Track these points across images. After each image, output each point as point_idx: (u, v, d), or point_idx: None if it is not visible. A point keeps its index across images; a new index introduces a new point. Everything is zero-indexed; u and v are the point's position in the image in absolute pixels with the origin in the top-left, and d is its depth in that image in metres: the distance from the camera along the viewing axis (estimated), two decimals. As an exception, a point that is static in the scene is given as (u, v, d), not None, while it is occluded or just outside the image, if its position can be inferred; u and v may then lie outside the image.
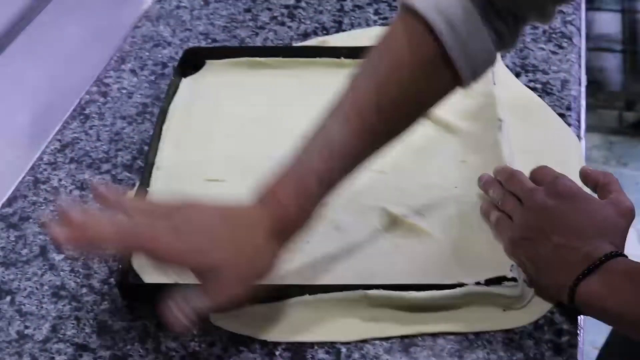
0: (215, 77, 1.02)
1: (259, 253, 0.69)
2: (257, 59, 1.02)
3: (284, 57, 1.02)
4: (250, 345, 0.73)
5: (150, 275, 0.77)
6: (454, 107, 0.93)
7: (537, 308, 0.74)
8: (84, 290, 0.79)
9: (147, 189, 0.86)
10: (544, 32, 1.07)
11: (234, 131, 0.94)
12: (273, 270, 0.70)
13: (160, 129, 0.93)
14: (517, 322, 0.73)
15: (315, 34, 1.10)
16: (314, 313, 0.74)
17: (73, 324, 0.76)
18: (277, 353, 0.72)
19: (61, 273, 0.80)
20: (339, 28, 1.11)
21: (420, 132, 0.89)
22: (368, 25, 1.11)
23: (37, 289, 0.79)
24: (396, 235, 0.81)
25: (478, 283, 0.74)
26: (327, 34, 1.10)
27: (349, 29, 1.10)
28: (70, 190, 0.89)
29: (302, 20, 1.13)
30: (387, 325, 0.73)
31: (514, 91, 0.97)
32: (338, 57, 1.01)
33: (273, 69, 1.02)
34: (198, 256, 0.66)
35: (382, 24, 1.10)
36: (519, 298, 0.74)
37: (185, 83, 1.00)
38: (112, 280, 0.79)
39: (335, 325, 0.74)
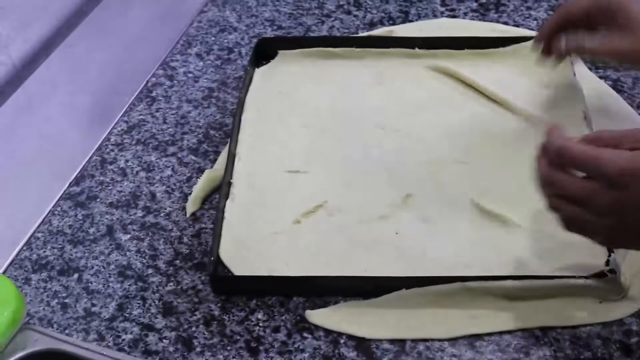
0: (288, 67, 1.01)
1: None
2: (330, 49, 1.01)
3: (357, 47, 1.01)
4: (315, 332, 0.73)
5: (241, 268, 0.78)
6: (534, 98, 0.93)
7: (635, 300, 0.73)
8: (150, 271, 0.79)
9: (231, 180, 0.86)
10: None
11: (310, 122, 0.93)
12: None
13: (240, 120, 0.93)
14: (615, 315, 0.72)
15: (382, 23, 1.09)
16: (411, 308, 0.73)
17: (139, 303, 0.76)
18: (341, 341, 0.72)
19: (127, 253, 0.81)
20: (405, 18, 1.10)
21: (500, 124, 0.90)
22: (435, 16, 1.10)
23: (103, 267, 0.80)
24: (485, 226, 0.80)
25: (575, 276, 0.73)
26: (394, 23, 1.09)
27: (416, 20, 1.09)
28: (137, 172, 0.90)
29: (369, 9, 1.12)
30: (486, 321, 0.73)
31: (590, 84, 0.95)
32: (412, 48, 1.00)
33: (345, 60, 1.01)
34: None
35: (449, 15, 1.09)
36: (617, 289, 0.73)
37: (259, 73, 1.00)
38: (177, 262, 0.80)
39: (434, 320, 0.73)
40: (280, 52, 1.02)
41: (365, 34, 1.07)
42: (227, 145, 0.91)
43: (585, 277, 0.72)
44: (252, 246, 0.80)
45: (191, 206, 0.85)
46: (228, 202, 0.84)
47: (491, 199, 0.82)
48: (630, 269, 0.75)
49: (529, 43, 0.93)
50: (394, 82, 0.98)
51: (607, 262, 0.73)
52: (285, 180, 0.86)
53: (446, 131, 0.90)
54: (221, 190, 0.84)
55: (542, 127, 0.87)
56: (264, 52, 1.02)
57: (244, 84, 0.97)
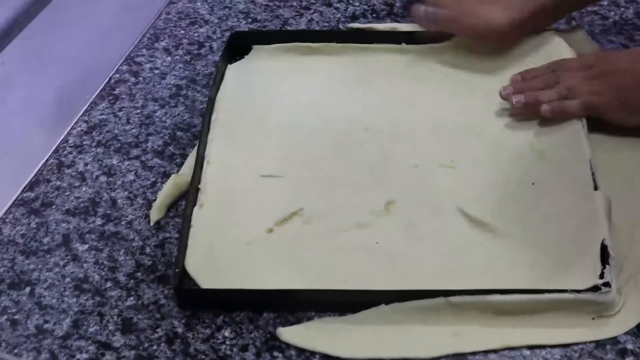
0: (263, 63, 1.01)
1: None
2: (309, 44, 1.01)
3: (338, 42, 1.01)
4: (286, 351, 0.72)
5: (209, 281, 0.77)
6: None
7: (630, 316, 0.73)
8: (109, 284, 0.78)
9: (199, 185, 0.85)
10: (615, 23, 1.05)
11: (286, 123, 0.93)
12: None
13: (209, 119, 0.92)
14: (609, 332, 0.72)
15: (365, 16, 1.09)
16: (391, 325, 0.73)
17: (96, 320, 0.75)
18: (315, 361, 0.72)
19: (84, 265, 0.80)
20: (390, 11, 1.09)
21: (492, 125, 0.90)
22: (422, 9, 1.09)
23: (58, 280, 0.79)
24: (472, 236, 0.79)
25: (567, 290, 0.72)
26: (377, 17, 1.09)
27: (401, 12, 1.09)
28: (97, 176, 0.89)
29: (351, 1, 1.12)
30: (470, 339, 0.72)
31: None
32: (399, 43, 1.00)
33: (326, 55, 1.01)
34: None
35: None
36: (611, 304, 0.72)
37: (232, 70, 1.00)
38: (138, 274, 0.79)
39: (415, 338, 0.72)
40: (255, 47, 1.02)
41: (349, 26, 1.07)
42: (196, 147, 0.90)
43: (577, 291, 0.72)
44: (220, 257, 0.79)
45: (155, 213, 0.84)
46: (195, 209, 0.83)
47: (480, 206, 0.81)
48: (626, 283, 0.74)
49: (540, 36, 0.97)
50: (378, 79, 0.97)
51: (601, 275, 0.73)
52: (258, 186, 0.86)
53: (434, 133, 0.90)
54: (188, 196, 0.84)
55: (538, 126, 0.89)
56: (237, 47, 1.02)
57: (215, 81, 0.96)
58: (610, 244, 0.75)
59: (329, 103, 0.95)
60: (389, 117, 0.92)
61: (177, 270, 0.77)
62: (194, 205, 0.83)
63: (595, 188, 0.80)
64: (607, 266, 0.73)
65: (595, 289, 0.72)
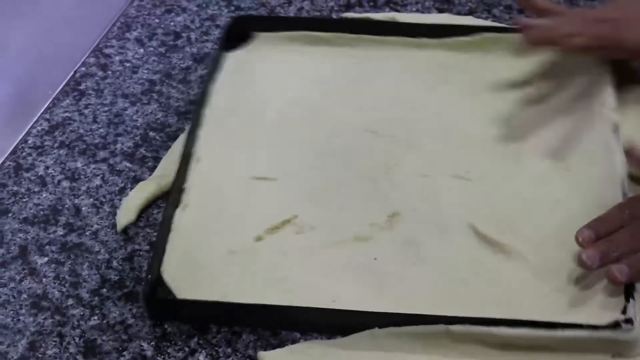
0: (266, 52, 1.01)
1: None
2: (318, 33, 1.01)
3: (349, 32, 1.01)
4: (268, 378, 0.72)
5: (185, 291, 0.77)
6: (558, 97, 0.92)
7: None
8: (70, 301, 0.78)
9: (184, 185, 0.85)
10: None
11: (287, 120, 0.93)
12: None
13: (201, 113, 0.92)
14: None
15: (360, 5, 1.09)
16: (383, 351, 0.72)
17: (55, 341, 0.75)
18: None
19: (43, 280, 0.80)
20: (389, -1, 1.10)
21: (516, 131, 0.90)
22: (425, -4, 1.10)
23: (13, 297, 0.79)
24: (483, 256, 0.79)
25: (582, 326, 0.71)
26: (375, 6, 1.09)
27: (401, 1, 1.09)
28: (59, 181, 0.89)
29: (345, -12, 1.12)
30: None
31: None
32: (417, 36, 1.00)
33: (336, 47, 1.01)
34: None
35: (443, -3, 1.09)
36: (634, 343, 0.71)
37: (231, 58, 1.00)
38: (104, 291, 0.79)
39: None
40: (259, 34, 1.02)
41: (350, 16, 1.07)
42: (171, 148, 0.91)
43: (595, 327, 0.71)
44: (201, 265, 0.79)
45: (124, 217, 0.84)
46: (178, 210, 0.83)
47: (492, 224, 0.81)
48: None
49: None
50: (391, 77, 0.98)
51: (624, 310, 0.72)
52: (249, 188, 0.86)
53: (449, 140, 0.90)
54: (170, 196, 0.84)
55: (564, 137, 0.88)
56: (237, 34, 1.02)
57: (211, 70, 0.97)
58: None
59: (335, 101, 0.95)
60: (400, 119, 0.92)
61: (149, 277, 0.77)
62: (176, 206, 0.84)
63: None
64: (630, 300, 0.73)
65: (616, 325, 0.71)
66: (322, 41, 1.01)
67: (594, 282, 0.75)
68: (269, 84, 0.98)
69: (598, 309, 0.73)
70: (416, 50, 1.00)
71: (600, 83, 0.92)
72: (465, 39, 0.99)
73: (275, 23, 1.03)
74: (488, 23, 1.05)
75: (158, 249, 0.79)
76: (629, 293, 0.73)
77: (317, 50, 1.01)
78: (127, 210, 0.85)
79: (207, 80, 0.96)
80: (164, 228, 0.81)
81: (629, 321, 0.71)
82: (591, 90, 0.92)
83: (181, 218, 0.83)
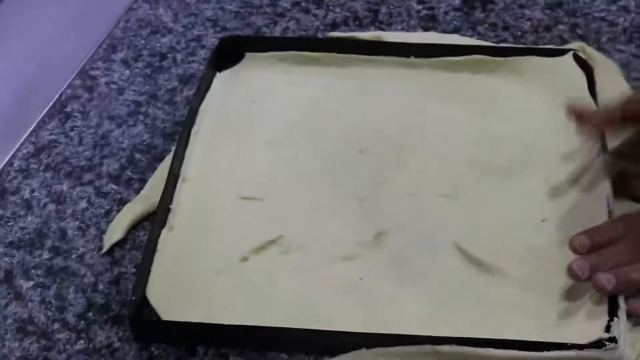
0: (256, 72, 1.01)
1: None
2: (306, 53, 1.01)
3: (339, 52, 1.01)
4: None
5: (170, 312, 0.77)
6: (545, 118, 0.93)
7: None
8: (56, 325, 0.78)
9: (170, 205, 0.85)
10: (624, 30, 1.06)
11: (275, 140, 0.93)
12: None
13: (189, 133, 0.92)
14: None
15: (346, 24, 1.09)
16: None
17: (41, 366, 0.75)
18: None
19: (29, 304, 0.80)
20: (375, 18, 1.10)
21: (506, 151, 0.90)
22: (409, 15, 1.10)
23: (-1, 322, 0.79)
24: (469, 275, 0.79)
25: (567, 345, 0.71)
26: (360, 25, 1.09)
27: (386, 20, 1.10)
28: (44, 204, 0.89)
29: (331, 7, 1.12)
30: None
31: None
32: (407, 56, 1.00)
33: (325, 67, 1.01)
34: None
35: (427, 15, 1.10)
36: None
37: (220, 78, 1.00)
38: (90, 314, 0.79)
39: None
40: (248, 54, 1.02)
41: (335, 35, 1.08)
42: (157, 170, 0.91)
43: (581, 347, 0.71)
44: (187, 286, 0.79)
45: (109, 238, 0.84)
46: (164, 231, 0.83)
47: (479, 243, 0.81)
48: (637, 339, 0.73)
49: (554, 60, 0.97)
50: (381, 96, 0.98)
51: (607, 329, 0.72)
52: (236, 208, 0.86)
53: (437, 159, 0.90)
54: (155, 217, 0.84)
55: (553, 157, 0.88)
56: (227, 54, 1.02)
57: (199, 90, 0.97)
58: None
59: (324, 120, 0.95)
60: (389, 139, 0.93)
61: (134, 298, 0.76)
62: (162, 227, 0.84)
63: None
64: (614, 319, 0.73)
65: (600, 344, 0.71)
66: (311, 61, 1.02)
67: (579, 301, 0.75)
68: (257, 104, 0.98)
69: (583, 327, 0.73)
70: (405, 70, 1.00)
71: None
72: (454, 59, 0.99)
73: (264, 43, 1.04)
74: (475, 42, 1.05)
75: (143, 270, 0.79)
76: (612, 311, 0.73)
77: (307, 70, 1.01)
78: (113, 231, 0.85)
79: (195, 100, 0.96)
80: (150, 249, 0.81)
81: (612, 340, 0.71)
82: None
83: (167, 239, 0.83)
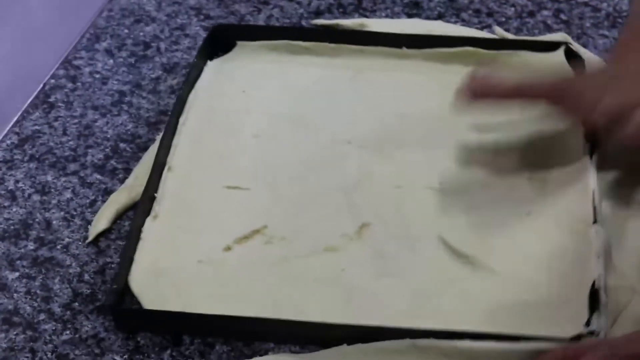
0: (246, 61, 1.01)
1: None
2: (299, 42, 1.01)
3: (330, 42, 1.01)
4: (242, 389, 0.73)
5: (152, 300, 0.77)
6: (533, 112, 0.92)
7: None
8: (42, 316, 0.78)
9: (155, 194, 0.86)
10: (608, 15, 1.07)
11: (265, 129, 0.93)
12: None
13: (177, 122, 0.93)
14: None
15: (330, 12, 1.10)
16: None
17: (27, 357, 0.75)
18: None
19: (14, 295, 0.80)
20: (359, 5, 1.10)
21: (494, 144, 0.90)
22: (393, 2, 1.10)
23: (-16, 313, 0.79)
24: (452, 267, 0.79)
25: (546, 338, 0.71)
26: (344, 12, 1.09)
27: (370, 7, 1.10)
28: (29, 195, 0.89)
29: (315, -6, 1.13)
30: None
31: None
32: (399, 47, 1.00)
33: (316, 56, 1.01)
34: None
35: (410, 1, 1.10)
36: None
37: (210, 67, 1.00)
38: (76, 305, 0.79)
39: None
40: (240, 43, 1.02)
41: (318, 22, 1.08)
42: (142, 159, 0.91)
43: (559, 340, 0.71)
44: (170, 275, 0.79)
45: (96, 226, 0.85)
46: (148, 220, 0.84)
47: (463, 236, 0.81)
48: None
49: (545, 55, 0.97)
50: (370, 87, 0.98)
51: (588, 322, 0.72)
52: (221, 198, 0.86)
53: (424, 151, 0.90)
54: (139, 205, 0.84)
55: (539, 147, 0.89)
56: (219, 43, 1.02)
57: (188, 78, 0.97)
58: (603, 287, 0.74)
59: (312, 111, 0.96)
60: (377, 130, 0.93)
61: (115, 286, 0.77)
62: (147, 215, 0.84)
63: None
64: (595, 312, 0.73)
65: (580, 337, 0.72)
66: (303, 50, 1.02)
67: (561, 296, 0.76)
68: (247, 93, 0.98)
69: (564, 321, 0.73)
70: (396, 61, 1.00)
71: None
72: (446, 51, 0.99)
73: (255, 32, 1.04)
74: (466, 30, 1.06)
75: (126, 258, 0.79)
76: (593, 305, 0.73)
77: (297, 59, 1.01)
78: (98, 221, 0.85)
79: (184, 89, 0.96)
80: (133, 237, 0.81)
81: (592, 333, 0.71)
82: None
83: (151, 227, 0.83)
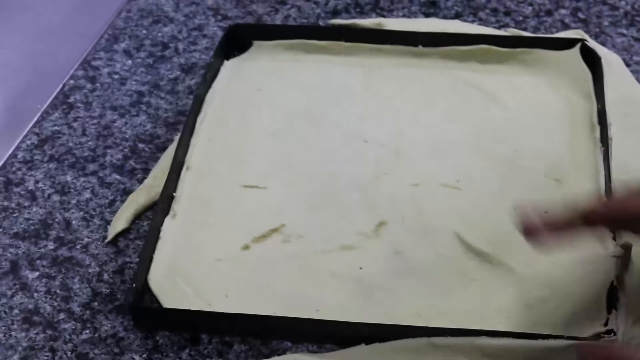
0: (263, 61, 1.02)
1: None
2: (315, 41, 1.02)
3: (346, 41, 1.02)
4: (260, 387, 0.73)
5: (171, 299, 0.78)
6: (549, 110, 0.93)
7: None
8: (62, 315, 0.79)
9: (174, 193, 0.86)
10: (626, 14, 1.06)
11: (280, 128, 0.94)
12: None
13: (194, 121, 0.93)
14: None
15: (347, 11, 1.10)
16: None
17: (47, 356, 0.76)
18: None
19: (35, 294, 0.80)
20: (376, 5, 1.10)
21: (510, 142, 0.90)
22: (410, 1, 1.10)
23: (5, 312, 0.79)
24: (469, 266, 0.79)
25: (563, 337, 0.71)
26: (362, 12, 1.10)
27: (387, 6, 1.10)
28: (49, 195, 0.89)
29: (332, -6, 1.13)
30: None
31: (627, 96, 0.95)
32: (415, 45, 1.01)
33: (332, 55, 1.02)
34: None
35: (427, 1, 1.10)
36: None
37: (228, 66, 1.01)
38: (95, 304, 0.79)
39: None
40: (256, 42, 1.03)
41: (336, 22, 1.08)
42: (160, 159, 0.91)
43: (577, 339, 0.71)
44: (189, 274, 0.80)
45: (115, 226, 0.85)
46: (167, 219, 0.84)
47: (480, 233, 0.81)
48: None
49: (561, 53, 0.97)
50: (386, 85, 0.98)
51: (606, 322, 0.72)
52: (239, 197, 0.87)
53: (441, 149, 0.90)
54: (158, 205, 0.84)
55: (557, 148, 0.89)
56: (235, 42, 1.03)
57: (206, 78, 0.97)
58: (622, 286, 0.74)
59: (329, 109, 0.96)
60: (393, 128, 0.93)
61: (134, 285, 0.77)
62: (165, 214, 0.85)
63: None
64: (613, 312, 0.73)
65: (598, 337, 0.72)
66: (318, 49, 1.02)
67: (580, 294, 0.75)
68: (263, 92, 0.98)
69: (583, 320, 0.73)
70: (412, 59, 1.00)
71: (591, 105, 0.93)
72: (462, 49, 0.99)
73: (271, 31, 1.04)
74: (481, 29, 1.05)
75: (145, 257, 0.80)
76: (611, 304, 0.73)
77: (313, 58, 1.02)
78: (117, 221, 0.85)
79: (202, 88, 0.97)
80: (152, 237, 0.82)
81: (610, 332, 0.71)
82: (580, 109, 0.93)
83: (170, 226, 0.84)
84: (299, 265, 0.80)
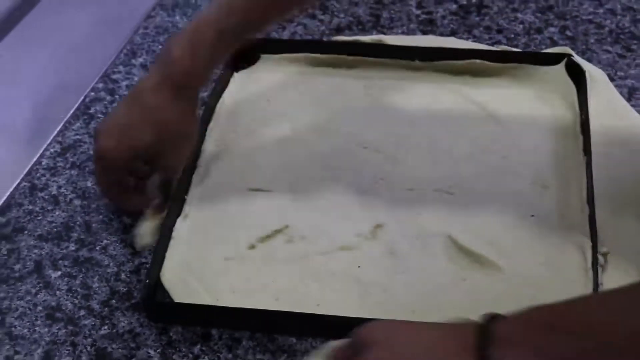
0: (270, 73, 1.03)
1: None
2: (318, 55, 1.03)
3: (348, 54, 1.03)
4: (266, 380, 0.74)
5: (182, 294, 0.79)
6: (537, 121, 0.94)
7: None
8: (82, 312, 0.80)
9: (185, 196, 0.87)
10: (611, 32, 1.07)
11: (287, 136, 0.95)
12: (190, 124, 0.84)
13: (205, 129, 0.94)
14: None
15: (350, 29, 1.11)
16: None
17: (68, 350, 0.77)
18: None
19: (57, 292, 0.81)
20: (377, 22, 1.11)
21: (499, 150, 0.91)
22: (409, 20, 1.11)
23: (29, 309, 0.80)
24: (460, 266, 0.81)
25: None
26: (363, 29, 1.10)
27: (388, 24, 1.11)
28: (71, 200, 0.90)
29: (336, 13, 1.14)
30: None
31: (610, 108, 0.96)
32: (412, 59, 1.02)
33: (334, 68, 1.03)
34: None
35: (425, 20, 1.11)
36: None
37: (237, 78, 1.02)
38: (113, 302, 0.80)
39: None
40: (263, 56, 1.04)
41: (339, 39, 1.09)
42: None
43: None
44: (199, 272, 0.81)
45: (142, 239, 0.85)
46: (179, 220, 0.85)
47: (472, 237, 0.82)
48: None
49: (548, 68, 0.98)
50: (385, 96, 0.99)
51: None
52: (245, 199, 0.88)
53: (435, 156, 0.91)
54: (171, 207, 0.86)
55: (542, 156, 0.90)
56: (246, 56, 1.04)
57: (215, 89, 0.99)
58: (603, 283, 0.75)
59: (331, 118, 0.97)
60: (391, 136, 0.94)
61: (148, 281, 0.79)
62: (177, 215, 0.86)
63: (592, 230, 0.80)
64: None
65: None
66: (322, 62, 1.03)
67: (564, 291, 0.76)
68: (269, 102, 1.00)
69: None
70: (409, 72, 1.02)
71: (575, 116, 0.94)
72: (456, 63, 1.01)
73: (278, 45, 1.06)
74: (473, 45, 1.07)
75: (158, 256, 0.81)
76: None
77: (317, 70, 1.03)
78: (143, 236, 0.85)
79: (212, 98, 0.98)
80: (165, 236, 0.83)
81: None
82: (565, 120, 0.95)
83: (181, 227, 0.85)
84: (301, 264, 0.82)
